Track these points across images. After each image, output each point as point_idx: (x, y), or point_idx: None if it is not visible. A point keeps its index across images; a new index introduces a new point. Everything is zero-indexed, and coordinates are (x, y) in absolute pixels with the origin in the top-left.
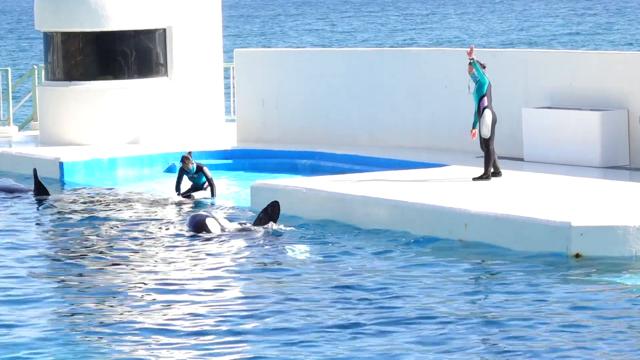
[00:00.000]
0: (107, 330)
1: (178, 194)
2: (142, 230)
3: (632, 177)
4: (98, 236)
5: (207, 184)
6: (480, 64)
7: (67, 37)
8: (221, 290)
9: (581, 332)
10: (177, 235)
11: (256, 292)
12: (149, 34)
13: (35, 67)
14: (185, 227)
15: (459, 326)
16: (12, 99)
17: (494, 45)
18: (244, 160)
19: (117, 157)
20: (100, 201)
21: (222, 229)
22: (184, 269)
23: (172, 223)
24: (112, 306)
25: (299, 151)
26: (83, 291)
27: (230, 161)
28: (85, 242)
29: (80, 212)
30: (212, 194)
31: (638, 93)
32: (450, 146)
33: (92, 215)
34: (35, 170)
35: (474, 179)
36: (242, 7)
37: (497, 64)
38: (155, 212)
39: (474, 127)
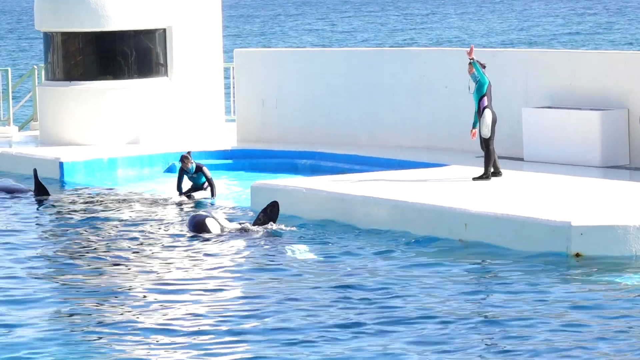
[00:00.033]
0: (107, 330)
1: (180, 194)
2: (142, 231)
3: (632, 176)
4: (98, 236)
5: (207, 184)
6: (480, 64)
7: (67, 37)
8: (221, 290)
9: (581, 332)
10: (177, 235)
11: (256, 292)
12: (149, 34)
13: (35, 67)
14: (185, 227)
15: (459, 326)
16: (12, 99)
17: (494, 45)
18: (244, 160)
19: (117, 157)
20: (100, 201)
21: (222, 229)
22: (184, 269)
23: (172, 223)
24: (112, 306)
25: (299, 151)
26: (83, 291)
27: (230, 161)
28: (85, 242)
29: (80, 212)
30: (212, 194)
31: (638, 93)
32: (450, 146)
33: (92, 215)
34: (35, 171)
35: (474, 178)
36: (242, 7)
37: (497, 63)
38: (155, 212)
39: (474, 127)
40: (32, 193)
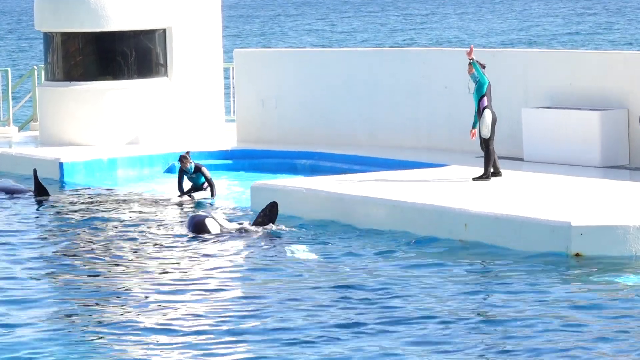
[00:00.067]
0: (107, 330)
1: (181, 194)
2: (142, 231)
3: (632, 176)
4: (98, 237)
5: (206, 184)
6: (480, 64)
7: (67, 37)
8: (221, 290)
9: (581, 332)
10: (177, 235)
11: (256, 292)
12: (148, 34)
13: (35, 67)
14: (185, 228)
15: (459, 326)
16: (12, 99)
17: (493, 45)
18: (243, 160)
19: (117, 157)
20: (100, 202)
21: (222, 230)
22: (184, 269)
23: (172, 223)
24: (112, 306)
25: (298, 151)
26: (83, 291)
27: (230, 161)
28: (85, 243)
29: (80, 213)
30: (212, 194)
31: (638, 93)
32: (450, 146)
33: (92, 215)
34: (35, 171)
35: (474, 179)
36: (242, 7)
37: (497, 63)
38: (155, 212)
39: (473, 127)
40: (32, 193)
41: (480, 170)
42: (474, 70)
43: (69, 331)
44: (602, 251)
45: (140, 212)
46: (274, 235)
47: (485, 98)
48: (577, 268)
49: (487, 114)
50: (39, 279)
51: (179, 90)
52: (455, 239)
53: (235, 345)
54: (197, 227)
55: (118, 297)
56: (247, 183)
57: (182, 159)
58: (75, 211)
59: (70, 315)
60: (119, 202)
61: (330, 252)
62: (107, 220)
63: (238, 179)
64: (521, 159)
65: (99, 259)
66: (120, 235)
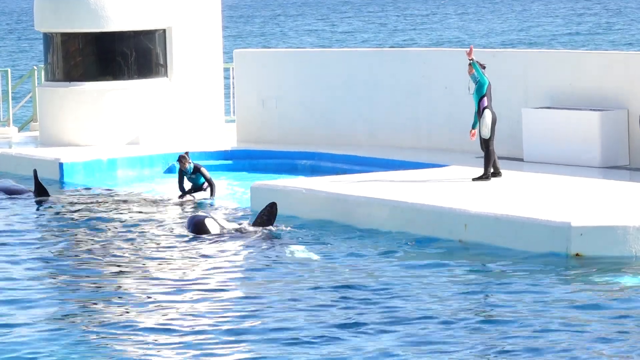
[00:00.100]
0: (107, 330)
1: (182, 194)
2: (141, 231)
3: (632, 177)
4: (98, 237)
5: (206, 184)
6: (480, 65)
7: (67, 37)
8: (221, 290)
9: (581, 332)
10: (177, 235)
11: (256, 292)
12: (148, 34)
13: (35, 67)
14: (185, 228)
15: (459, 326)
16: (12, 99)
17: (493, 45)
18: (243, 160)
19: (116, 157)
20: (100, 202)
21: (221, 230)
22: (184, 270)
23: (172, 224)
24: (112, 306)
25: (298, 152)
26: (83, 291)
27: (230, 162)
28: (85, 243)
29: (80, 213)
30: (211, 194)
31: (638, 93)
32: (450, 146)
33: (92, 216)
34: (35, 171)
35: (474, 179)
36: (242, 7)
37: (497, 64)
38: (155, 213)
39: (473, 128)
40: (32, 194)
41: (480, 171)
42: (473, 70)
43: (69, 331)
44: (602, 251)
45: (140, 212)
46: (273, 236)
47: (485, 98)
48: (577, 268)
49: (487, 114)
50: (39, 279)
51: (179, 90)
52: (455, 239)
53: (235, 345)
54: (197, 228)
55: (118, 297)
56: (247, 183)
57: (181, 159)
58: (75, 211)
59: (70, 315)
60: (118, 203)
61: (330, 252)
62: (107, 220)
63: (238, 179)
64: (521, 159)
65: (98, 259)
66: (120, 236)
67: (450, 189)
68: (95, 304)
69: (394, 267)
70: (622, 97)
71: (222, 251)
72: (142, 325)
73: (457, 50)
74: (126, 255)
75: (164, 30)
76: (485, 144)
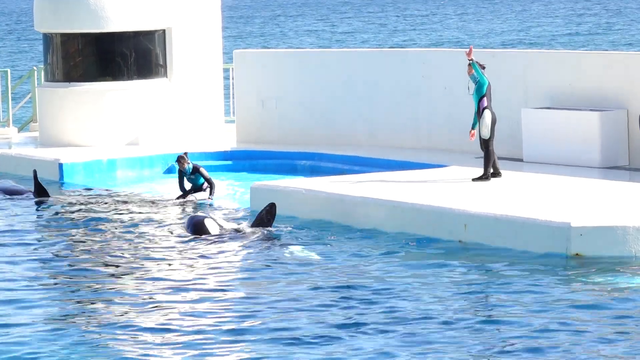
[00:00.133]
0: (107, 330)
1: (182, 195)
2: (141, 232)
3: (632, 177)
4: (97, 237)
5: (206, 184)
6: (480, 65)
7: (67, 38)
8: (221, 290)
9: (581, 332)
10: (177, 236)
11: (256, 292)
12: (148, 35)
13: (35, 68)
14: (184, 228)
15: (459, 326)
16: (12, 100)
17: (493, 45)
18: (243, 161)
19: (116, 158)
20: (100, 202)
21: (221, 230)
22: (183, 270)
23: (172, 224)
24: (112, 306)
25: (298, 152)
26: (83, 291)
27: (229, 162)
28: (84, 244)
29: (79, 214)
30: (210, 192)
31: (638, 93)
32: (450, 147)
33: (92, 216)
34: (35, 172)
35: (474, 179)
36: (241, 8)
37: (496, 64)
38: (155, 213)
39: (472, 128)
40: (31, 194)
41: (480, 171)
42: (473, 71)
43: (69, 331)
44: (601, 252)
45: (139, 213)
46: (273, 236)
47: (485, 99)
48: (577, 268)
49: (487, 114)
50: (39, 280)
51: (178, 91)
52: (455, 240)
53: (235, 345)
54: (196, 228)
55: (118, 297)
56: (247, 184)
57: (180, 160)
58: (75, 212)
59: (70, 315)
60: (118, 203)
61: (330, 252)
62: (107, 221)
63: (238, 179)
64: (521, 160)
65: (98, 259)
66: (119, 236)
67: (450, 189)
68: (95, 304)
69: (394, 267)
70: (622, 98)
71: (222, 251)
72: (142, 325)
73: (456, 50)
74: (126, 255)
75: (164, 31)
76: (485, 144)
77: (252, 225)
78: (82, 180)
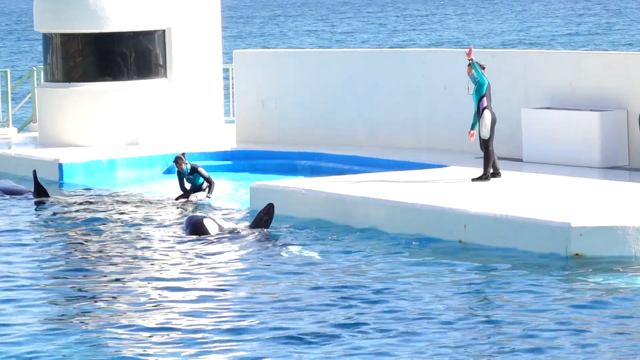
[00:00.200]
0: (107, 330)
1: (183, 195)
2: (141, 232)
3: (632, 177)
4: (97, 237)
5: (205, 183)
6: (480, 65)
7: (67, 38)
8: (220, 290)
9: (581, 332)
10: (176, 236)
11: (256, 292)
12: (148, 35)
13: (35, 68)
14: (183, 229)
15: (459, 326)
16: (12, 100)
17: (493, 45)
18: (243, 161)
19: (116, 158)
20: (100, 203)
21: (220, 230)
22: (183, 270)
23: (172, 224)
24: (112, 306)
25: (298, 152)
26: (83, 291)
27: (229, 162)
28: (84, 244)
29: (79, 214)
30: (209, 191)
31: (638, 93)
32: (450, 147)
33: (92, 216)
34: (34, 172)
35: (474, 179)
36: (241, 8)
37: (496, 64)
38: (155, 213)
39: (472, 128)
40: (31, 194)
41: (479, 171)
42: (473, 71)
43: (69, 331)
44: (601, 252)
45: (139, 213)
46: (272, 236)
47: (484, 99)
48: (577, 268)
49: (487, 114)
50: (39, 280)
51: (178, 91)
52: (455, 240)
53: (235, 344)
54: (196, 228)
55: (118, 297)
56: (246, 184)
57: (177, 160)
58: (75, 212)
59: (69, 315)
60: (118, 203)
61: (330, 252)
62: (107, 221)
63: (238, 179)
64: (521, 160)
65: (98, 259)
66: (119, 236)
67: (450, 189)
68: (94, 303)
69: (394, 267)
70: (622, 98)
71: (221, 251)
72: (141, 325)
73: (456, 50)
74: (126, 255)
75: (164, 31)
76: (485, 144)
77: (251, 226)
78: (82, 181)
